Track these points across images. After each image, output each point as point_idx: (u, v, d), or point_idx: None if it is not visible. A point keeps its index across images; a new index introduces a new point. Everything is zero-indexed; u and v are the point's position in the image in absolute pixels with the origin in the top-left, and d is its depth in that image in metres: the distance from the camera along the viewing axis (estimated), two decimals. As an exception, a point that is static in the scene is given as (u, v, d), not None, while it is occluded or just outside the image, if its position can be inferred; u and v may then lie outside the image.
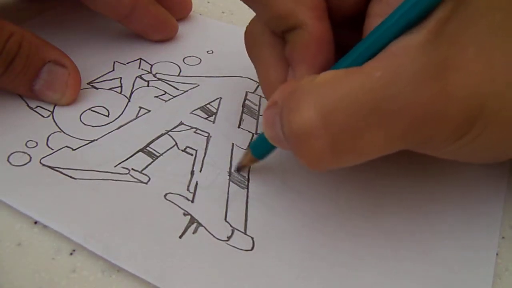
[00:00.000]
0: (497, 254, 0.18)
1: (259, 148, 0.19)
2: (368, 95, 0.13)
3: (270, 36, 0.18)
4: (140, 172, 0.20)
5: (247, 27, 0.20)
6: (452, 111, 0.14)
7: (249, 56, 0.20)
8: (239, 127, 0.23)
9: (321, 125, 0.14)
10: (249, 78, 0.26)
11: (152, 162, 0.20)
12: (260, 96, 0.25)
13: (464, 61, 0.13)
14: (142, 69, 0.26)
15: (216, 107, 0.24)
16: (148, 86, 0.25)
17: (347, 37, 0.17)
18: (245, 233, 0.18)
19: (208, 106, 0.24)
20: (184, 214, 0.18)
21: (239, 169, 0.20)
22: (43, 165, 0.20)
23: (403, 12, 0.14)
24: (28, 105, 0.23)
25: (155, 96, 0.24)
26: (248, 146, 0.19)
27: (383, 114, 0.13)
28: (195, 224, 0.18)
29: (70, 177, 0.19)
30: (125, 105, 0.23)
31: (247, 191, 0.19)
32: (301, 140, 0.14)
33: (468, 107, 0.14)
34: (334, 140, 0.14)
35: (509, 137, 0.15)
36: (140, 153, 0.21)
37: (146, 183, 0.20)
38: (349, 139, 0.14)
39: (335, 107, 0.13)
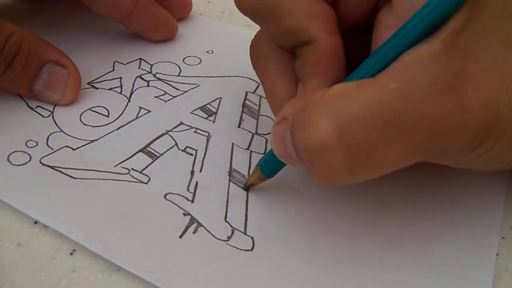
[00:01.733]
0: (497, 254, 0.18)
1: (268, 165, 0.18)
2: (383, 107, 0.13)
3: (277, 51, 0.18)
4: (140, 172, 0.20)
5: (252, 41, 0.19)
6: (468, 122, 0.13)
7: (255, 70, 0.19)
8: (239, 127, 0.23)
9: (336, 138, 0.13)
10: (249, 78, 0.26)
11: (152, 162, 0.20)
12: (260, 96, 0.25)
13: (478, 72, 0.13)
14: (142, 69, 0.26)
15: (216, 107, 0.24)
16: (148, 86, 0.25)
17: (355, 45, 0.17)
18: (245, 233, 0.18)
19: (208, 106, 0.24)
20: (184, 214, 0.18)
21: (247, 188, 0.19)
22: (43, 164, 0.20)
23: (415, 23, 0.13)
24: (28, 105, 0.23)
25: (155, 96, 0.24)
26: (257, 164, 0.19)
27: (399, 127, 0.13)
28: (195, 224, 0.18)
29: (70, 176, 0.19)
30: (125, 105, 0.23)
31: (247, 191, 0.19)
32: (316, 155, 0.14)
33: (483, 118, 0.14)
34: (350, 154, 0.13)
35: None
36: (140, 153, 0.21)
37: (146, 183, 0.19)
38: (365, 153, 0.13)
39: (350, 120, 0.13)
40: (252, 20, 0.17)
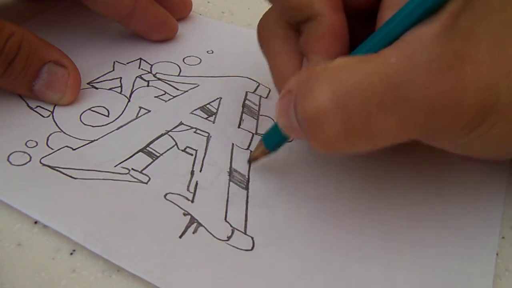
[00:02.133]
0: (497, 254, 0.18)
1: (272, 139, 0.19)
2: (383, 80, 0.13)
3: (284, 28, 0.18)
4: (140, 172, 0.20)
5: (260, 19, 0.20)
6: (467, 101, 0.14)
7: (261, 47, 0.20)
8: (239, 127, 0.23)
9: (334, 108, 0.14)
10: (249, 78, 0.26)
11: (152, 162, 0.20)
12: (260, 96, 0.25)
13: (478, 53, 0.14)
14: (142, 69, 0.26)
15: (216, 107, 0.24)
16: (148, 86, 0.25)
17: (360, 29, 0.17)
18: (245, 233, 0.18)
19: (208, 106, 0.24)
20: (184, 214, 0.18)
21: (251, 161, 0.20)
22: (43, 164, 0.20)
23: (417, 4, 0.14)
24: (28, 105, 0.23)
25: (155, 96, 0.24)
26: (261, 138, 0.19)
27: (397, 100, 0.13)
28: (195, 224, 0.18)
29: (70, 176, 0.19)
30: (125, 105, 0.23)
31: (247, 191, 0.19)
32: (314, 123, 0.14)
33: (482, 98, 0.14)
34: (347, 123, 0.14)
35: None
36: (140, 153, 0.21)
37: (146, 183, 0.19)
38: (362, 123, 0.14)
39: (349, 91, 0.13)
40: None
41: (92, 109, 0.23)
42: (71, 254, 0.17)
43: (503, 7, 0.14)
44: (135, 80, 0.25)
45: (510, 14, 0.14)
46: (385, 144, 0.14)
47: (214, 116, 0.23)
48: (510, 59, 0.14)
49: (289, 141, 0.20)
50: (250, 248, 0.17)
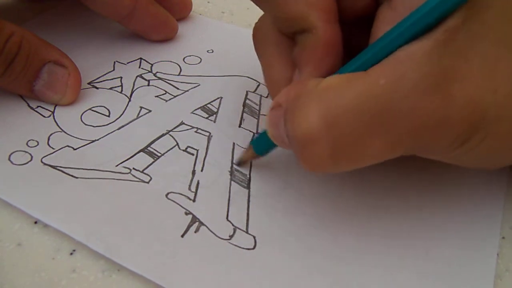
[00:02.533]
0: (497, 254, 0.18)
1: (261, 144, 0.19)
2: (371, 101, 0.13)
3: (278, 35, 0.18)
4: (142, 171, 0.20)
5: (256, 24, 0.20)
6: (454, 119, 0.14)
7: (256, 52, 0.20)
8: (240, 126, 0.23)
9: (323, 131, 0.14)
10: (249, 78, 0.26)
11: (153, 162, 0.20)
12: (261, 96, 0.25)
13: (468, 71, 0.14)
14: (142, 68, 0.26)
15: (217, 107, 0.24)
16: (148, 85, 0.25)
17: (355, 37, 0.17)
18: (247, 232, 0.18)
19: (208, 105, 0.24)
20: (186, 213, 0.18)
21: (239, 164, 0.20)
22: (44, 164, 0.20)
23: (412, 22, 0.14)
24: (29, 105, 0.23)
25: (155, 96, 0.24)
26: (250, 142, 0.20)
27: (385, 121, 0.14)
28: (196, 223, 0.18)
29: (72, 176, 0.19)
30: (126, 104, 0.23)
31: (249, 190, 0.19)
32: (303, 145, 0.14)
33: (469, 115, 0.14)
34: (335, 146, 0.14)
35: (509, 146, 0.15)
36: (142, 153, 0.21)
37: (147, 183, 0.19)
38: (350, 146, 0.14)
39: (338, 113, 0.14)
40: (254, 3, 0.18)
41: (93, 109, 0.23)
42: (71, 254, 0.17)
43: (502, 25, 0.14)
44: (135, 80, 0.25)
45: (507, 31, 0.14)
46: (371, 163, 0.15)
47: (215, 115, 0.23)
48: (500, 77, 0.14)
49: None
50: (251, 247, 0.17)
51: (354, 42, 0.17)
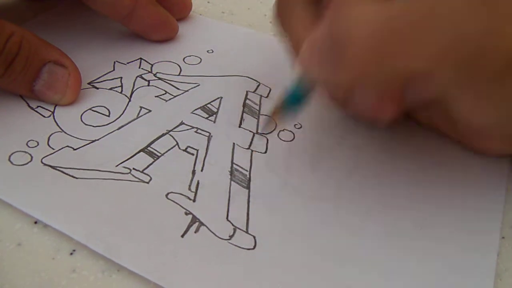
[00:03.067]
0: (497, 254, 0.18)
1: (292, 99, 0.18)
2: (418, 5, 0.13)
3: (304, 3, 0.18)
4: (142, 172, 0.20)
5: None
6: (501, 47, 0.13)
7: (281, 25, 0.20)
8: (239, 126, 0.23)
9: (375, 22, 0.14)
10: (249, 78, 0.26)
11: (153, 162, 0.20)
12: (261, 96, 0.25)
13: None
14: (142, 68, 0.26)
15: (217, 107, 0.24)
16: (148, 85, 0.25)
17: None
18: (246, 232, 0.18)
19: (208, 105, 0.24)
20: (186, 214, 0.18)
21: (264, 129, 0.20)
22: (45, 164, 0.20)
23: None
24: (28, 105, 0.23)
25: (155, 96, 0.24)
26: (282, 101, 0.18)
27: (432, 25, 0.13)
28: (196, 223, 0.18)
29: (72, 176, 0.19)
30: (126, 105, 0.23)
31: (249, 190, 0.19)
32: (352, 35, 0.14)
33: None
34: (383, 39, 0.14)
35: None
36: (141, 153, 0.21)
37: (147, 183, 0.19)
38: (398, 42, 0.14)
39: (389, 8, 0.14)
40: None
41: (93, 109, 0.23)
42: (71, 254, 0.17)
43: None
44: (135, 80, 0.25)
45: None
46: (417, 71, 0.14)
47: (214, 115, 0.23)
48: None
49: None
50: (252, 247, 0.17)
51: None
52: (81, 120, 0.22)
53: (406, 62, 0.14)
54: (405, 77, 0.15)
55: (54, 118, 0.22)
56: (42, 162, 0.20)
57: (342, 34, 0.14)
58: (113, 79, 0.25)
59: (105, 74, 0.25)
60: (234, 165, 0.21)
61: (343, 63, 0.15)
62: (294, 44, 0.19)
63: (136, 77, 0.25)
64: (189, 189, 0.19)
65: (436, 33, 0.13)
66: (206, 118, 0.23)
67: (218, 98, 0.24)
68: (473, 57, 0.14)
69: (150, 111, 0.23)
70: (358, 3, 0.14)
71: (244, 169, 0.20)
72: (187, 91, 0.25)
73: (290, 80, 0.18)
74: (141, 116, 0.23)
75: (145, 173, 0.20)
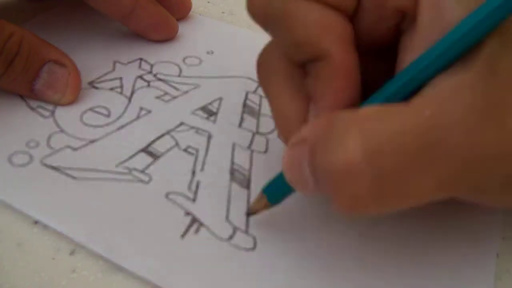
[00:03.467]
0: (497, 255, 0.18)
1: (275, 192, 0.17)
2: (418, 135, 0.12)
3: (288, 66, 0.16)
4: (142, 172, 0.20)
5: (260, 55, 0.18)
6: (507, 151, 0.13)
7: (262, 85, 0.18)
8: (240, 126, 0.23)
9: (364, 162, 0.12)
10: (249, 78, 0.26)
11: (153, 162, 0.20)
12: (261, 96, 0.25)
13: None
14: (142, 69, 0.26)
15: (217, 107, 0.24)
16: (148, 86, 0.25)
17: (373, 68, 0.16)
18: (246, 232, 0.18)
19: (208, 106, 0.24)
20: (186, 214, 0.18)
21: (249, 214, 0.18)
22: (44, 165, 0.20)
23: (447, 47, 0.13)
24: (28, 105, 0.23)
25: (155, 97, 0.24)
26: (262, 189, 0.17)
27: (434, 157, 0.12)
28: (196, 224, 0.18)
29: (72, 177, 0.19)
30: (126, 105, 0.23)
31: (249, 190, 0.19)
32: (341, 179, 0.12)
33: None
34: (378, 181, 0.12)
35: None
36: (141, 153, 0.21)
37: (147, 183, 0.19)
38: (394, 182, 0.12)
39: (382, 144, 0.12)
40: (263, 28, 0.16)
41: (93, 109, 0.23)
42: (71, 254, 0.17)
43: None
44: (135, 81, 0.25)
45: None
46: (417, 204, 0.13)
47: (215, 116, 0.23)
48: None
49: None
50: (251, 247, 0.17)
51: (369, 74, 0.16)
52: (81, 120, 0.22)
53: (406, 197, 0.13)
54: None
55: (54, 118, 0.22)
56: (42, 163, 0.20)
57: (335, 167, 0.13)
58: (113, 79, 0.25)
59: (105, 74, 0.25)
60: (234, 165, 0.21)
61: (339, 199, 0.13)
62: (279, 124, 0.17)
63: (136, 77, 0.25)
64: (189, 189, 0.19)
65: (448, 150, 0.12)
66: (206, 118, 0.23)
67: (218, 98, 0.24)
68: (482, 179, 0.13)
69: (150, 111, 0.23)
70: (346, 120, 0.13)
71: (244, 169, 0.20)
72: (187, 92, 0.25)
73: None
74: (141, 116, 0.23)
75: (145, 173, 0.20)
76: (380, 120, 0.13)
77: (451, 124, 0.12)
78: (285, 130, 0.17)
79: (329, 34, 0.14)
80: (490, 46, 0.13)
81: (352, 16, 0.15)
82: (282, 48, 0.16)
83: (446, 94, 0.13)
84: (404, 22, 0.15)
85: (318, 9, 0.14)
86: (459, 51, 0.13)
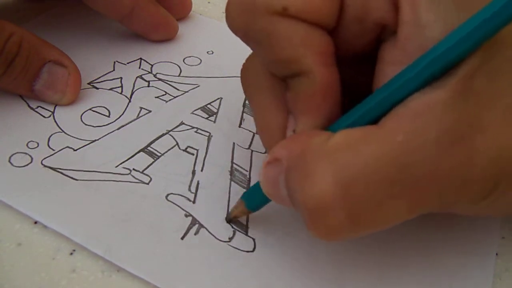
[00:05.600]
0: (496, 254, 0.18)
1: (254, 199, 0.17)
2: (389, 162, 0.12)
3: (269, 78, 0.16)
4: (142, 172, 0.20)
5: (244, 64, 0.18)
6: (476, 176, 0.13)
7: (246, 95, 0.18)
8: (240, 126, 0.23)
9: (339, 197, 0.12)
10: (249, 78, 0.26)
11: (153, 162, 0.20)
12: (261, 96, 0.25)
13: (491, 121, 0.13)
14: (142, 69, 0.26)
15: (217, 107, 0.24)
16: (148, 86, 0.25)
17: (351, 74, 0.16)
18: (246, 234, 0.18)
19: (208, 106, 0.24)
20: (186, 215, 0.18)
21: (230, 221, 0.18)
22: (44, 166, 0.20)
23: (424, 65, 0.12)
24: (29, 106, 0.23)
25: (155, 97, 0.24)
26: (241, 196, 0.18)
27: (405, 183, 0.12)
28: (196, 225, 0.18)
29: (72, 178, 0.19)
30: (126, 105, 0.23)
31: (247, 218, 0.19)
32: (315, 214, 0.13)
33: (492, 172, 0.13)
34: (353, 212, 0.13)
35: None
36: (141, 153, 0.21)
37: (147, 184, 0.19)
38: (369, 211, 0.13)
39: (353, 176, 0.12)
40: (244, 42, 0.16)
41: (93, 109, 0.23)
42: (71, 254, 0.17)
43: None
44: (135, 80, 0.25)
45: None
46: (391, 226, 0.14)
47: (215, 116, 0.23)
48: None
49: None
50: (251, 249, 0.17)
51: (351, 82, 0.16)
52: (81, 121, 0.22)
53: (381, 222, 0.13)
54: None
55: (54, 119, 0.22)
56: (42, 164, 0.20)
57: (309, 202, 0.13)
58: (113, 79, 0.25)
59: (105, 74, 0.25)
60: (234, 165, 0.21)
61: (314, 231, 0.13)
62: (261, 132, 0.17)
63: (136, 77, 0.25)
64: (189, 190, 0.19)
65: (418, 183, 0.13)
66: (206, 118, 0.23)
67: (218, 98, 0.24)
68: (452, 199, 0.13)
69: (150, 111, 0.23)
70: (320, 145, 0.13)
71: (244, 169, 0.20)
72: (187, 92, 0.25)
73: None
74: (141, 116, 0.23)
75: (145, 174, 0.20)
76: (352, 150, 0.13)
77: (423, 148, 0.12)
78: (267, 140, 0.17)
79: (311, 51, 0.14)
80: (470, 63, 0.12)
81: (333, 30, 0.15)
82: (264, 63, 0.16)
83: (419, 113, 0.13)
84: (384, 33, 0.15)
85: (300, 28, 0.14)
86: (437, 70, 0.13)
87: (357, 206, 0.13)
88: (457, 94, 0.12)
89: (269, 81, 0.16)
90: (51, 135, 0.21)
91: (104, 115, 0.23)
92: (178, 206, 0.19)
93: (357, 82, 0.16)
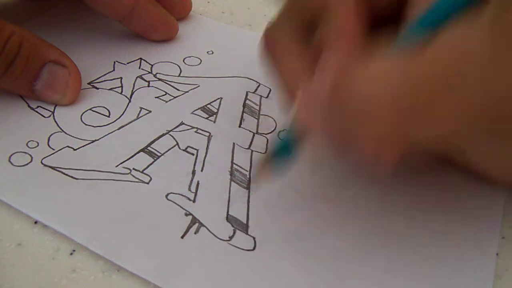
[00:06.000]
0: (497, 254, 0.18)
1: (281, 154, 0.17)
2: (440, 69, 0.13)
3: (296, 42, 0.17)
4: (142, 172, 0.20)
5: (267, 31, 0.18)
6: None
7: (270, 58, 0.18)
8: (240, 126, 0.23)
9: (397, 89, 0.13)
10: (249, 78, 0.26)
11: (153, 162, 0.20)
12: (261, 96, 0.25)
13: None
14: (142, 69, 0.26)
15: (217, 107, 0.24)
16: (148, 86, 0.25)
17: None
18: (246, 233, 0.18)
19: (208, 106, 0.24)
20: (186, 214, 0.18)
21: (251, 185, 0.18)
22: (44, 165, 0.20)
23: None
24: (29, 105, 0.23)
25: (155, 97, 0.24)
26: (266, 156, 0.17)
27: (460, 90, 0.13)
28: (196, 224, 0.18)
29: (72, 177, 0.19)
30: (126, 105, 0.23)
31: (249, 191, 0.20)
32: (372, 108, 0.13)
33: None
34: (409, 109, 0.13)
35: None
36: (141, 153, 0.21)
37: (147, 183, 0.19)
38: (423, 108, 0.13)
39: (410, 77, 0.13)
40: None
41: (93, 109, 0.23)
42: (71, 254, 0.17)
43: None
44: (135, 81, 0.25)
45: None
46: (444, 132, 0.14)
47: (215, 116, 0.23)
48: None
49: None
50: (251, 248, 0.17)
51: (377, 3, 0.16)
52: (81, 120, 0.22)
53: (436, 126, 0.13)
54: (433, 142, 0.14)
55: (54, 118, 0.22)
56: (42, 163, 0.20)
57: (357, 99, 0.13)
58: (113, 79, 0.25)
59: (105, 74, 0.25)
60: (234, 165, 0.21)
61: (363, 131, 0.14)
62: (286, 84, 0.18)
63: (136, 77, 0.25)
64: (189, 189, 0.19)
65: (466, 94, 0.13)
66: (206, 118, 0.23)
67: (218, 98, 0.24)
68: (503, 118, 0.13)
69: (150, 111, 0.23)
70: (367, 59, 0.13)
71: (244, 169, 0.20)
72: (187, 92, 0.25)
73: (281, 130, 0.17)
74: (141, 116, 0.23)
75: (145, 173, 0.20)
76: (404, 59, 0.13)
77: (471, 59, 0.12)
78: (293, 85, 0.17)
79: None
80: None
81: None
82: (291, 10, 0.18)
83: (457, 38, 0.13)
84: None
85: None
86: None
87: (412, 103, 0.13)
88: (493, 19, 0.13)
89: (296, 45, 0.17)
90: (51, 134, 0.21)
91: (104, 115, 0.23)
92: (178, 205, 0.19)
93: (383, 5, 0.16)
